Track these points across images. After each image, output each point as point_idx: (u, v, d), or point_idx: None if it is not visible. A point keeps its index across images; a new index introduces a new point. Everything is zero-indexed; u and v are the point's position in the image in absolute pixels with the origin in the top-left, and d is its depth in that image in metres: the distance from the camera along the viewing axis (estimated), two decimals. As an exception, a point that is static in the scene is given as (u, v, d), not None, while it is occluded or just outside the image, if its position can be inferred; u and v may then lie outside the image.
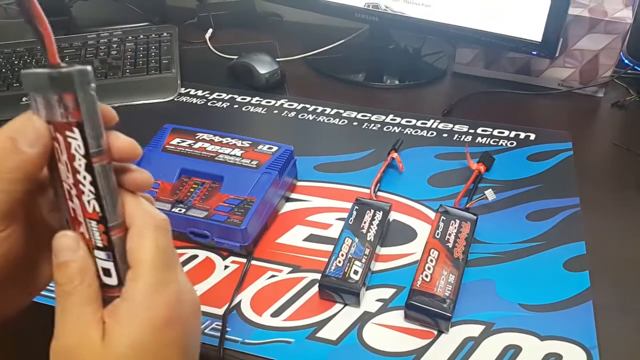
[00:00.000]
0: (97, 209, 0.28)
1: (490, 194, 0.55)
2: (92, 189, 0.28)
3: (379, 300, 0.49)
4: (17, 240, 0.30)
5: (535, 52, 0.72)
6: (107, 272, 0.29)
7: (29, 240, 0.31)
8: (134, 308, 0.28)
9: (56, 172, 0.28)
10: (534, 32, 0.71)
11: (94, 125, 0.27)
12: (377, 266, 0.52)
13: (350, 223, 0.53)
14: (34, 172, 0.28)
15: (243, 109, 0.76)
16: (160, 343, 0.29)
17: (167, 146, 0.59)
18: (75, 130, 0.27)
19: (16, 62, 0.82)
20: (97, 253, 0.29)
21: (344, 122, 0.73)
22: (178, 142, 0.60)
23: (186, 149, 0.59)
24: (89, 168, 0.27)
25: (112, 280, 0.29)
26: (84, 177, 0.28)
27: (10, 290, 0.31)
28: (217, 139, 0.60)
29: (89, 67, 0.27)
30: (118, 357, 0.27)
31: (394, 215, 0.57)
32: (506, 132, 0.70)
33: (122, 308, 0.28)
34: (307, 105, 0.76)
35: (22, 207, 0.29)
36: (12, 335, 0.35)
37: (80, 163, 0.27)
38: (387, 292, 0.50)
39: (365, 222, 0.53)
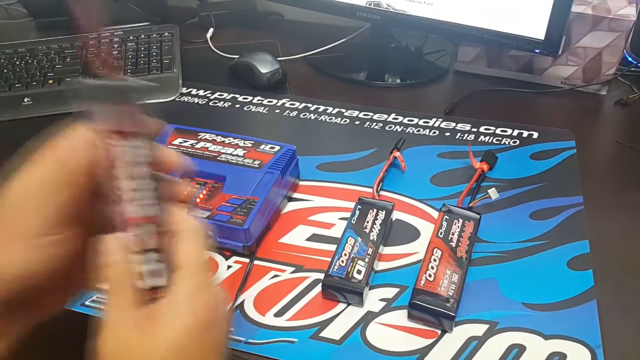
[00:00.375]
0: (151, 213, 0.29)
1: (493, 193, 0.55)
2: (149, 194, 0.29)
3: (382, 299, 0.49)
4: (73, 243, 0.31)
5: (538, 50, 0.72)
6: (155, 274, 0.30)
7: (80, 243, 0.32)
8: (176, 309, 0.29)
9: (112, 177, 0.30)
10: (537, 30, 0.70)
11: (150, 135, 0.30)
12: (380, 266, 0.52)
13: (353, 222, 0.53)
14: (93, 176, 0.30)
15: (245, 108, 0.76)
16: (199, 346, 0.29)
17: (169, 146, 0.59)
18: (137, 138, 0.29)
19: (17, 62, 0.82)
20: (147, 256, 0.30)
21: (345, 121, 0.73)
22: (180, 142, 0.60)
23: (188, 149, 0.59)
24: (146, 175, 0.29)
25: (160, 281, 0.29)
26: (141, 184, 0.29)
27: (56, 292, 0.32)
28: (219, 138, 0.60)
29: (151, 82, 0.30)
30: (158, 358, 0.28)
31: (396, 215, 0.57)
32: (509, 131, 0.70)
33: (164, 309, 0.29)
34: (309, 105, 0.76)
35: (79, 210, 0.31)
36: (46, 338, 0.36)
37: (139, 170, 0.29)
38: (390, 292, 0.49)
39: (368, 222, 0.53)
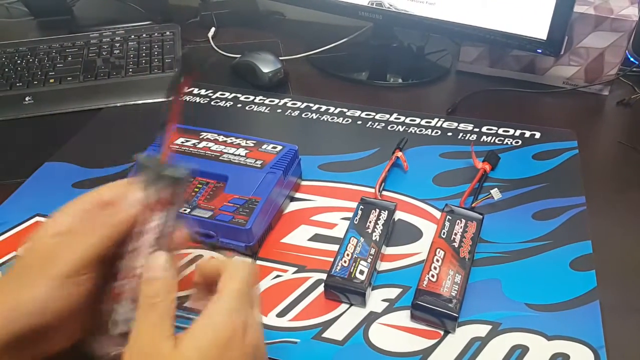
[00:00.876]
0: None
1: (496, 193, 0.55)
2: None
3: (384, 300, 0.49)
4: (90, 283, 0.35)
5: (540, 50, 0.71)
6: (128, 321, 0.34)
7: (95, 285, 0.35)
8: (208, 325, 0.32)
9: (137, 233, 0.35)
10: (539, 30, 0.70)
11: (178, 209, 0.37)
12: (382, 266, 0.52)
13: (356, 223, 0.53)
14: (127, 228, 0.35)
15: (246, 108, 0.76)
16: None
17: (171, 146, 0.59)
18: (169, 211, 0.36)
19: (19, 61, 0.82)
20: (125, 305, 0.35)
21: (347, 121, 0.72)
22: (182, 142, 0.60)
23: (190, 149, 0.59)
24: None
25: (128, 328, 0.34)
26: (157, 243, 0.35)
27: (66, 330, 0.35)
28: (221, 138, 0.60)
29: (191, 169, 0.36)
30: None
31: (399, 215, 0.57)
32: (511, 131, 0.69)
33: (198, 324, 0.32)
34: (311, 104, 0.76)
35: (105, 255, 0.35)
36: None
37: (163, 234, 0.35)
38: (393, 292, 0.49)
39: (370, 222, 0.53)
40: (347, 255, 0.50)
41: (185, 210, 0.53)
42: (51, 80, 0.79)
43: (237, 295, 0.34)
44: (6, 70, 0.81)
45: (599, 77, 0.76)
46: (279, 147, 0.58)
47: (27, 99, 0.76)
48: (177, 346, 0.31)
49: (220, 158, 0.57)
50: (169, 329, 0.32)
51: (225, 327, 0.32)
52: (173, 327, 0.32)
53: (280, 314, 0.48)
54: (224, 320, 0.33)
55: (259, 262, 0.52)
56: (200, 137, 0.60)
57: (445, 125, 0.71)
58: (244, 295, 0.34)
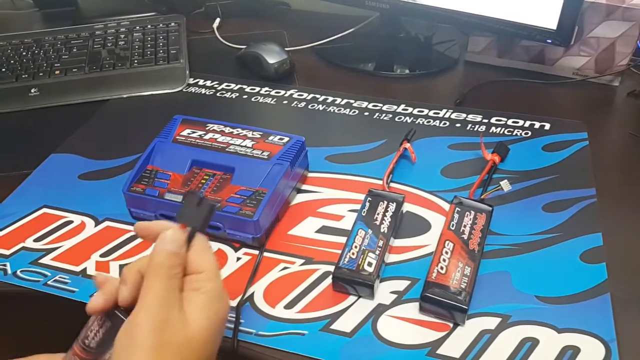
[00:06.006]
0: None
1: (505, 185, 0.55)
2: None
3: (393, 292, 0.48)
4: None
5: (549, 41, 0.70)
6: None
7: None
8: (212, 301, 0.36)
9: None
10: (549, 19, 0.69)
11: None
12: (390, 258, 0.51)
13: (363, 214, 0.53)
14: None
15: (252, 99, 0.75)
16: (221, 335, 0.37)
17: (177, 137, 0.59)
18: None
19: (24, 53, 0.82)
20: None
21: (354, 112, 0.72)
22: (188, 133, 0.59)
23: (197, 140, 0.58)
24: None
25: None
26: None
27: None
28: (227, 129, 0.60)
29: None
30: (197, 337, 0.34)
31: (406, 207, 0.56)
32: (520, 122, 0.69)
33: (200, 299, 0.36)
34: (317, 96, 0.75)
35: None
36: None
37: None
38: (401, 284, 0.49)
39: (378, 214, 0.52)
40: (355, 247, 0.50)
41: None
42: (56, 72, 0.78)
43: (218, 273, 0.38)
44: (11, 62, 0.80)
45: (610, 68, 0.75)
46: (286, 139, 0.58)
47: (32, 90, 0.76)
48: (186, 319, 0.35)
49: (227, 149, 0.57)
50: (179, 299, 0.35)
51: (225, 302, 0.37)
52: (182, 293, 0.36)
53: (288, 306, 0.47)
54: (223, 297, 0.37)
55: (266, 254, 0.52)
56: (207, 128, 0.60)
57: (453, 116, 0.70)
58: (219, 269, 0.38)
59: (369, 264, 0.48)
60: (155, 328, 0.33)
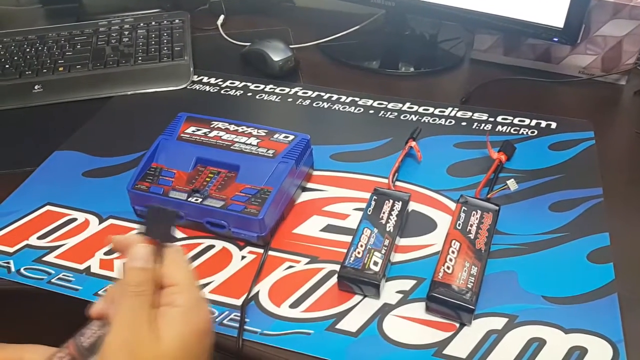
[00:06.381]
0: None
1: (512, 184, 0.54)
2: None
3: (399, 292, 0.48)
4: None
5: (556, 39, 0.70)
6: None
7: None
8: (185, 314, 0.34)
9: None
10: (556, 17, 0.69)
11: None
12: (396, 257, 0.51)
13: (369, 213, 0.52)
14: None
15: (257, 97, 0.75)
16: (202, 348, 0.35)
17: (182, 135, 0.58)
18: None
19: (28, 49, 0.82)
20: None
21: (359, 110, 0.71)
22: (193, 131, 0.59)
23: (201, 138, 0.58)
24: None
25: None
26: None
27: None
28: (232, 127, 0.59)
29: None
30: (169, 354, 0.33)
31: (412, 206, 0.56)
32: (527, 121, 0.68)
33: (172, 313, 0.34)
34: (322, 93, 0.75)
35: None
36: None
37: None
38: (407, 284, 0.49)
39: (384, 213, 0.52)
40: (361, 246, 0.49)
41: (197, 200, 0.52)
42: (60, 69, 0.78)
43: (194, 283, 0.36)
44: (15, 58, 0.80)
45: (616, 67, 0.75)
46: (291, 137, 0.58)
47: (36, 87, 0.76)
48: (161, 337, 0.33)
49: (232, 147, 0.57)
50: (151, 317, 0.34)
51: (202, 316, 0.35)
52: (153, 313, 0.34)
53: (293, 305, 0.47)
54: (196, 314, 0.35)
55: (271, 253, 0.52)
56: (211, 126, 0.59)
57: (459, 114, 0.70)
58: (195, 279, 0.37)
59: (375, 263, 0.48)
60: (123, 347, 0.33)
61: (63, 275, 0.50)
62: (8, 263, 0.51)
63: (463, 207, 0.52)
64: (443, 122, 0.68)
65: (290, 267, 0.51)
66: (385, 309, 0.47)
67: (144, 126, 0.69)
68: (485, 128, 0.67)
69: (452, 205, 0.56)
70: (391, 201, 0.53)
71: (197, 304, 0.35)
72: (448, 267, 0.47)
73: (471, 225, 0.50)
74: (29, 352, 0.39)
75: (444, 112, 0.70)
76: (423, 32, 0.88)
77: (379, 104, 0.72)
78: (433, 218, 0.55)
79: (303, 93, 0.75)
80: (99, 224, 0.55)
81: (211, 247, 0.53)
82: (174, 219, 0.37)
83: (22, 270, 0.51)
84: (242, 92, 0.76)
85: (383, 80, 0.79)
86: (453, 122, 0.68)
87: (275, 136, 0.58)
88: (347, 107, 0.72)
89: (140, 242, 0.36)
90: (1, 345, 0.39)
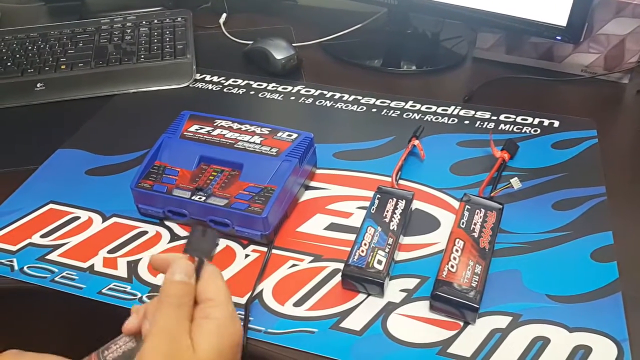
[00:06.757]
0: None
1: (516, 183, 0.54)
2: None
3: (403, 290, 0.48)
4: None
5: (559, 37, 0.70)
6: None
7: None
8: (221, 327, 0.36)
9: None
10: (559, 16, 0.69)
11: None
12: (400, 256, 0.51)
13: (373, 212, 0.52)
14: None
15: (259, 95, 0.75)
16: (232, 357, 0.36)
17: (185, 133, 0.58)
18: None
19: (30, 47, 0.81)
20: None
21: (362, 108, 0.71)
22: (196, 129, 0.59)
23: (205, 136, 0.58)
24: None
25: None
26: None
27: None
28: (235, 125, 0.59)
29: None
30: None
31: (416, 204, 0.56)
32: (529, 119, 0.68)
33: (209, 326, 0.36)
34: (325, 92, 0.75)
35: None
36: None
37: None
38: (411, 283, 0.49)
39: (387, 211, 0.52)
40: (365, 244, 0.49)
41: (200, 198, 0.52)
42: (62, 67, 0.78)
43: (230, 299, 0.38)
44: (17, 56, 0.80)
45: (619, 65, 0.75)
46: (295, 135, 0.58)
47: (38, 85, 0.76)
48: (196, 348, 0.34)
49: (235, 146, 0.57)
50: (188, 328, 0.35)
51: (236, 329, 0.37)
52: (191, 322, 0.36)
53: (297, 304, 0.47)
54: (233, 324, 0.37)
55: (274, 251, 0.52)
56: (215, 124, 0.59)
57: (462, 113, 0.70)
58: (230, 295, 0.38)
59: (379, 262, 0.48)
60: (162, 357, 0.33)
61: (66, 273, 0.50)
62: (11, 261, 0.51)
63: (467, 206, 0.52)
64: (446, 121, 0.68)
65: (294, 265, 0.51)
66: (389, 307, 0.47)
67: (147, 124, 0.69)
68: (488, 126, 0.67)
69: (456, 204, 0.56)
70: (395, 199, 0.53)
71: (231, 318, 0.36)
72: (452, 266, 0.47)
73: (475, 224, 0.50)
74: None
75: (446, 110, 0.70)
76: (425, 31, 0.88)
77: (381, 102, 0.72)
78: (436, 216, 0.55)
79: (306, 91, 0.75)
80: (102, 222, 0.55)
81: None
82: (216, 239, 0.39)
83: (25, 268, 0.51)
84: (244, 90, 0.76)
85: (385, 79, 0.78)
86: (456, 120, 0.68)
87: (279, 134, 0.58)
88: (350, 105, 0.72)
89: (182, 257, 0.38)
90: (19, 352, 0.40)
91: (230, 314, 0.37)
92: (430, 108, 0.71)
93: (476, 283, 0.45)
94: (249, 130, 0.58)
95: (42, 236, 0.54)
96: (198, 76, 0.79)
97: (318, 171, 0.61)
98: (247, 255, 0.52)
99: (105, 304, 0.48)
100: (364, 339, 0.44)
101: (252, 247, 0.52)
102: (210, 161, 0.56)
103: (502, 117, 0.69)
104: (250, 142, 0.57)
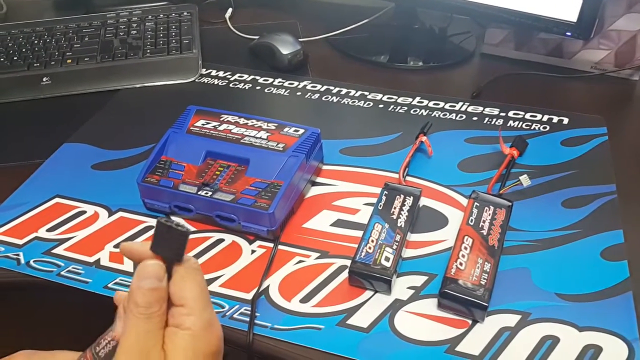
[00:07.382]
0: None
1: (525, 180, 0.54)
2: None
3: (410, 287, 0.48)
4: None
5: (569, 33, 0.69)
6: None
7: None
8: (194, 338, 0.32)
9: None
10: (569, 12, 0.68)
11: None
12: (407, 253, 0.51)
13: (380, 208, 0.52)
14: None
15: (265, 90, 0.74)
16: None
17: (191, 128, 0.58)
18: None
19: (36, 41, 0.81)
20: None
21: (369, 104, 0.71)
22: (203, 124, 0.58)
23: (211, 131, 0.57)
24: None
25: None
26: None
27: None
28: (242, 120, 0.59)
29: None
30: None
31: (423, 201, 0.55)
32: (538, 116, 0.67)
33: (182, 336, 0.32)
34: (331, 87, 0.74)
35: None
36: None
37: None
38: (418, 280, 0.48)
39: (395, 208, 0.52)
40: (372, 241, 0.49)
41: (206, 193, 0.52)
42: (68, 61, 0.78)
43: (208, 303, 0.34)
44: (23, 50, 0.80)
45: (630, 62, 0.74)
46: (302, 130, 0.57)
47: (44, 79, 0.75)
48: (167, 356, 0.32)
49: (242, 141, 0.56)
50: (160, 340, 0.32)
51: (211, 339, 0.33)
52: (162, 336, 0.33)
53: (304, 300, 0.47)
54: (208, 334, 0.33)
55: (281, 247, 0.52)
56: (221, 119, 0.59)
57: (470, 109, 0.69)
58: (207, 297, 0.34)
59: (386, 259, 0.47)
60: None
61: (72, 267, 0.50)
62: (17, 255, 0.51)
63: (475, 203, 0.51)
64: (454, 117, 0.68)
65: (301, 261, 0.50)
66: (397, 304, 0.46)
67: (153, 119, 0.68)
68: (496, 123, 0.66)
69: (464, 201, 0.55)
70: (402, 196, 0.53)
71: (206, 327, 0.33)
72: (460, 264, 0.46)
73: (484, 221, 0.50)
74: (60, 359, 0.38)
75: (454, 106, 0.70)
76: (432, 26, 0.87)
77: (388, 98, 0.72)
78: (444, 214, 0.55)
79: (312, 87, 0.74)
80: (109, 216, 0.55)
81: (221, 240, 0.53)
82: (185, 238, 0.33)
83: (31, 262, 0.51)
84: (250, 85, 0.75)
85: (392, 74, 0.78)
86: (464, 116, 0.68)
87: (285, 130, 0.57)
88: (357, 101, 0.71)
89: (150, 257, 0.33)
90: (31, 352, 0.39)
91: (204, 322, 0.33)
92: (438, 104, 0.70)
93: (485, 281, 0.45)
94: (256, 126, 0.58)
95: (48, 230, 0.54)
96: (204, 71, 0.78)
97: (324, 167, 0.61)
98: (253, 251, 0.51)
99: (111, 299, 0.47)
100: (371, 336, 0.44)
101: (258, 242, 0.52)
102: (217, 156, 0.55)
103: (510, 114, 0.68)
104: (257, 138, 0.57)
